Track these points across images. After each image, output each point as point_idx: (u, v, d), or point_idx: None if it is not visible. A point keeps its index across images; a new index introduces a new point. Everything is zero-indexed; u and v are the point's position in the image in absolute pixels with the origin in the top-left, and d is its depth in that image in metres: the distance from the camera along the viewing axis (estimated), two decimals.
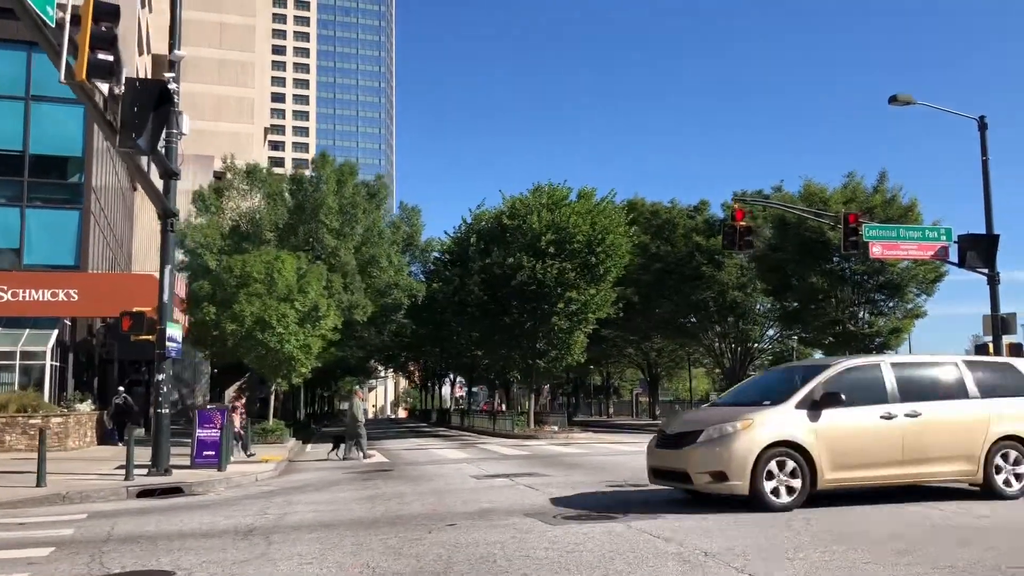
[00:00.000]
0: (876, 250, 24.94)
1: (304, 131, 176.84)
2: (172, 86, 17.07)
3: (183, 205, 38.77)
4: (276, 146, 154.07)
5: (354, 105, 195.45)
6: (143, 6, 61.91)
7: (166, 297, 16.76)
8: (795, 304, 38.67)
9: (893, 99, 25.33)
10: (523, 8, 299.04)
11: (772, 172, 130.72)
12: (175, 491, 14.73)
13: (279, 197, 38.01)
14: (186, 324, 32.16)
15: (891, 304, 36.40)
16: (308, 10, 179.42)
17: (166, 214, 17.01)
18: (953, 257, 26.07)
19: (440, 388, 71.68)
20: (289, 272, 28.30)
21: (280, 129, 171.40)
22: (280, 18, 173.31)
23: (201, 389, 53.77)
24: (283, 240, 36.10)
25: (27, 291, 27.55)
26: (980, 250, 24.81)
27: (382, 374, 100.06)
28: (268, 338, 26.88)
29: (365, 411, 24.41)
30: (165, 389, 16.66)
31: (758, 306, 44.12)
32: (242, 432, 22.24)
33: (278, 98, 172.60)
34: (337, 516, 10.74)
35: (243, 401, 23.01)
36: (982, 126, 25.89)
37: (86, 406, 26.90)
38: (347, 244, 36.17)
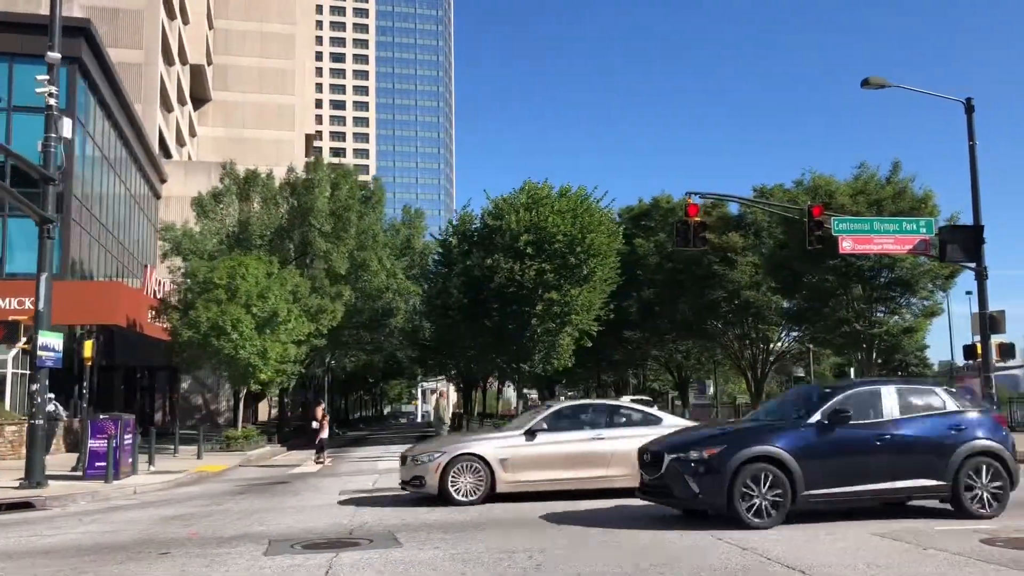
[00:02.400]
0: (846, 245, 23.05)
1: (364, 137, 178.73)
2: (51, 88, 16.79)
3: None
4: (337, 152, 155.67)
5: (413, 110, 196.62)
6: (172, 17, 62.60)
7: (42, 305, 16.40)
8: (804, 303, 36.63)
9: (866, 82, 23.49)
10: (577, 16, 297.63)
11: (799, 165, 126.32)
12: (26, 506, 14.28)
13: (272, 202, 37.82)
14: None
15: (902, 302, 34.01)
16: (367, 17, 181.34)
17: (42, 221, 16.64)
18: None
19: (463, 391, 70.73)
20: (252, 277, 27.86)
21: (340, 136, 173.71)
22: (339, 26, 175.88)
23: (225, 394, 54.05)
24: (275, 245, 35.83)
25: None
26: (963, 243, 22.77)
27: (439, 377, 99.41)
28: (223, 344, 26.49)
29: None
30: (40, 399, 16.30)
31: (772, 305, 41.86)
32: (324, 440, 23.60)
33: (338, 105, 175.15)
34: (93, 539, 10.08)
35: (322, 407, 23.77)
36: (969, 109, 23.84)
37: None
38: (340, 248, 35.66)
